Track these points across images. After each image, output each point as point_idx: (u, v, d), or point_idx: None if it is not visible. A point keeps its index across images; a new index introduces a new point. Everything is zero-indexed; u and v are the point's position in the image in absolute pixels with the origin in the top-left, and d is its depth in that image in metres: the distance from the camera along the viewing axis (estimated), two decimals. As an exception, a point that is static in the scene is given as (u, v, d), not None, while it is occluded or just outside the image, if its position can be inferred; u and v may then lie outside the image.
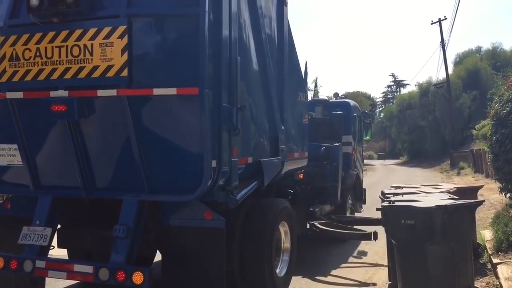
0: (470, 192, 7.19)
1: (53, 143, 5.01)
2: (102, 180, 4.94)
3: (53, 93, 4.69)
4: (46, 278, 5.26)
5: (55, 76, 4.68)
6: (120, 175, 4.87)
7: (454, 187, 6.97)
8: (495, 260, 6.37)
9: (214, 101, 4.59)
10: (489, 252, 6.86)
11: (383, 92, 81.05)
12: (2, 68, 4.87)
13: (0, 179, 5.39)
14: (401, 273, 4.93)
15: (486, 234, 7.69)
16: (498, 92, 26.49)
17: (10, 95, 4.87)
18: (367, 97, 66.32)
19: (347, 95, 57.65)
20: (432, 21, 38.35)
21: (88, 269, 4.52)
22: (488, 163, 21.70)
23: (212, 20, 4.53)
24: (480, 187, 8.49)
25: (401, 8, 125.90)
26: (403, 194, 6.10)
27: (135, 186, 4.77)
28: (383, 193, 6.40)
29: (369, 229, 7.84)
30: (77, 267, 4.59)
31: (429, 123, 45.82)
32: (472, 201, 5.37)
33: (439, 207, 4.74)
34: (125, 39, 4.45)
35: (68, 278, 4.69)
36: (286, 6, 6.49)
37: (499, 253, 6.68)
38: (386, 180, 21.67)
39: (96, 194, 4.96)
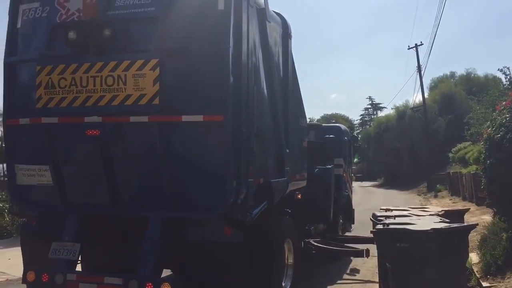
0: (456, 215, 7.18)
1: (83, 164, 5.41)
2: (129, 199, 5.35)
3: (87, 119, 5.12)
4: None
5: (89, 103, 5.12)
6: (147, 194, 5.28)
7: (442, 210, 7.10)
8: (484, 284, 6.49)
9: (235, 127, 5.07)
10: (477, 275, 6.98)
11: (361, 115, 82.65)
12: (38, 95, 5.29)
13: (29, 198, 5.76)
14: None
15: (473, 258, 7.66)
16: (476, 117, 27.55)
17: (45, 120, 5.27)
18: (345, 119, 67.66)
19: (326, 117, 58.73)
20: (409, 46, 39.32)
21: (118, 281, 4.90)
22: (465, 186, 22.64)
23: (234, 55, 5.05)
24: (466, 210, 8.57)
25: (379, 34, 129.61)
26: (395, 216, 6.17)
27: (161, 204, 5.19)
28: (374, 216, 6.56)
29: (360, 247, 8.35)
30: (107, 279, 4.96)
31: (405, 145, 46.80)
32: (466, 224, 5.57)
33: (434, 230, 4.81)
34: (157, 71, 4.93)
35: (98, 289, 5.04)
36: (291, 39, 7.07)
37: (488, 276, 6.80)
38: (365, 202, 22.17)
39: (123, 212, 5.36)
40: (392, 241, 4.89)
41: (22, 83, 5.65)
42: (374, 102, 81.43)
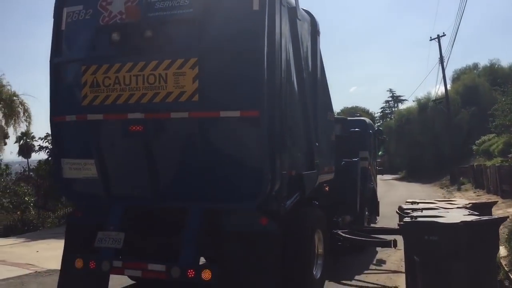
0: (485, 208, 6.96)
1: (127, 158, 5.73)
2: (170, 191, 5.64)
3: (130, 115, 5.42)
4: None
5: (132, 100, 5.42)
6: (187, 186, 5.57)
7: (469, 203, 6.99)
8: (513, 277, 6.34)
9: (270, 122, 5.31)
10: (506, 269, 6.98)
11: (381, 108, 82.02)
12: (84, 93, 5.61)
13: (74, 190, 6.12)
14: (423, 290, 4.92)
15: (501, 251, 7.48)
16: (501, 108, 27.16)
17: (91, 117, 5.60)
18: (366, 112, 67.28)
19: (345, 110, 58.46)
20: (431, 37, 38.91)
21: (161, 267, 5.20)
22: (489, 179, 22.44)
23: (268, 52, 5.28)
24: (494, 203, 8.40)
25: (400, 24, 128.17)
26: (422, 209, 6.11)
27: (200, 195, 5.47)
28: (401, 209, 6.51)
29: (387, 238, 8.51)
30: (151, 266, 5.27)
31: (428, 138, 46.38)
32: (496, 217, 5.43)
33: (464, 223, 4.67)
34: (196, 70, 5.21)
35: (143, 276, 5.36)
36: (319, 35, 7.27)
37: (517, 270, 6.70)
38: (387, 195, 22.15)
39: (164, 203, 5.66)
40: (420, 234, 4.83)
41: (68, 82, 5.98)
42: (394, 95, 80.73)
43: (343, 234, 8.57)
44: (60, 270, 6.12)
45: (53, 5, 6.04)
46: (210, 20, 5.33)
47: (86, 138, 5.73)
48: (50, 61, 6.00)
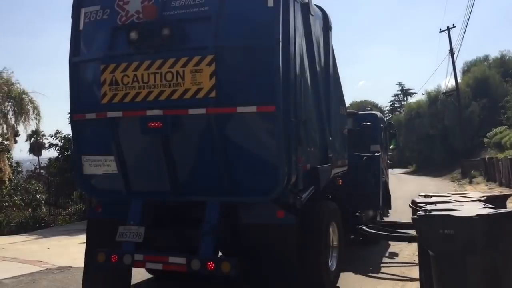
0: (499, 200, 6.74)
1: (146, 153, 5.87)
2: (188, 185, 5.78)
3: (149, 112, 5.55)
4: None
5: (151, 98, 5.55)
6: (205, 180, 5.70)
7: (484, 196, 6.77)
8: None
9: (285, 117, 5.42)
10: None
11: (390, 101, 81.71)
12: (103, 92, 5.75)
13: (95, 187, 6.28)
14: (438, 286, 4.77)
15: None
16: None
17: (110, 114, 5.74)
18: (375, 106, 67.09)
19: (354, 104, 58.28)
20: (440, 29, 38.82)
21: (181, 260, 5.34)
22: (501, 172, 22.37)
23: (283, 48, 5.38)
24: (509, 195, 8.11)
25: (409, 17, 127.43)
26: (436, 203, 5.97)
27: (218, 189, 5.60)
28: (414, 202, 6.34)
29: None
30: (172, 259, 5.41)
31: (438, 131, 46.19)
32: None
33: (480, 216, 4.53)
34: (213, 66, 5.32)
35: (164, 268, 5.50)
36: (331, 30, 7.35)
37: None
38: (398, 189, 22.04)
39: (183, 198, 5.79)
40: (435, 227, 4.70)
41: (87, 81, 6.12)
42: (404, 88, 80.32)
43: (369, 230, 8.67)
44: (84, 265, 6.27)
45: (71, 6, 6.18)
46: (226, 17, 5.44)
47: (106, 135, 5.87)
48: (70, 61, 6.14)
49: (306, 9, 6.22)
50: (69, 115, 6.43)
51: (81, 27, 6.10)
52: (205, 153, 5.62)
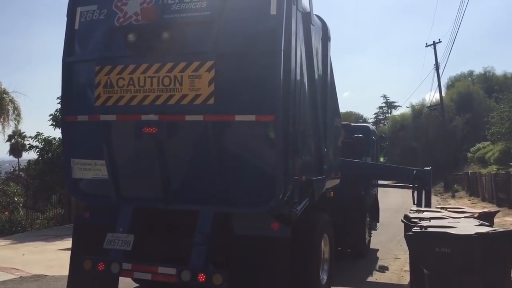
0: (486, 217, 6.76)
1: (138, 159, 5.69)
2: (181, 193, 5.61)
3: (144, 117, 5.38)
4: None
5: (146, 102, 5.38)
6: (199, 189, 5.54)
7: (477, 212, 6.83)
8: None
9: (284, 127, 5.30)
10: None
11: (375, 113, 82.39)
12: (97, 94, 5.57)
13: (83, 191, 6.07)
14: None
15: None
16: (498, 116, 27.44)
17: (104, 117, 5.55)
18: (360, 117, 67.58)
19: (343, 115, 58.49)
20: (426, 43, 39.05)
21: (171, 271, 5.16)
22: (484, 186, 22.58)
23: (284, 57, 5.27)
24: (496, 212, 8.42)
25: (395, 30, 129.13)
26: (430, 219, 5.91)
27: (212, 198, 5.45)
28: (407, 218, 6.30)
29: None
30: (161, 269, 5.22)
31: (421, 144, 46.63)
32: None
33: (479, 234, 4.50)
34: (213, 73, 5.18)
35: (152, 278, 5.30)
36: (330, 41, 7.29)
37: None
38: (383, 201, 22.02)
39: (175, 206, 5.63)
40: (431, 245, 4.63)
41: (80, 82, 5.93)
42: (388, 101, 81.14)
43: None
44: (69, 271, 6.05)
45: (67, 4, 6.00)
46: (227, 23, 5.32)
47: (98, 138, 5.68)
48: (63, 60, 5.95)
49: (307, 19, 6.13)
50: (60, 116, 6.21)
51: (77, 26, 5.92)
52: (200, 161, 5.47)
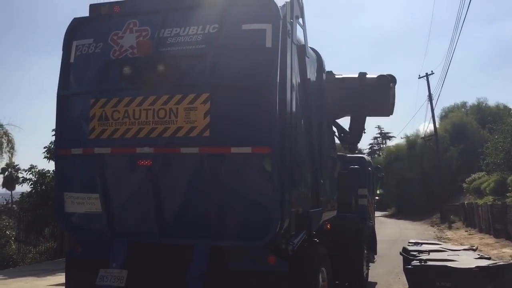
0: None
1: (133, 192, 5.60)
2: (176, 227, 5.51)
3: (139, 150, 5.33)
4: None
5: (141, 134, 5.35)
6: (194, 222, 5.44)
7: (474, 244, 6.93)
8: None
9: (280, 159, 5.26)
10: None
11: (370, 144, 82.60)
12: (92, 127, 5.53)
13: (76, 225, 5.95)
14: None
15: None
16: (492, 146, 27.58)
17: (98, 150, 5.50)
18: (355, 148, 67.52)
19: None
20: (419, 75, 39.75)
21: None
22: (480, 217, 22.46)
23: (280, 89, 5.28)
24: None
25: (389, 61, 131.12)
26: (429, 251, 5.93)
27: (207, 232, 5.34)
28: (406, 250, 6.34)
29: None
30: None
31: (417, 175, 46.53)
32: None
33: (480, 268, 4.54)
34: (208, 105, 5.17)
35: (146, 316, 5.16)
36: (325, 73, 7.34)
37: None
38: (380, 232, 21.82)
39: (170, 240, 5.51)
40: (431, 279, 4.67)
41: (75, 115, 5.90)
42: (383, 132, 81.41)
43: None
44: None
45: (63, 38, 6.02)
46: (223, 56, 5.34)
47: (92, 172, 5.61)
48: (58, 93, 5.93)
49: (302, 51, 6.18)
50: (54, 150, 6.14)
51: (72, 59, 5.93)
52: (196, 194, 5.40)
